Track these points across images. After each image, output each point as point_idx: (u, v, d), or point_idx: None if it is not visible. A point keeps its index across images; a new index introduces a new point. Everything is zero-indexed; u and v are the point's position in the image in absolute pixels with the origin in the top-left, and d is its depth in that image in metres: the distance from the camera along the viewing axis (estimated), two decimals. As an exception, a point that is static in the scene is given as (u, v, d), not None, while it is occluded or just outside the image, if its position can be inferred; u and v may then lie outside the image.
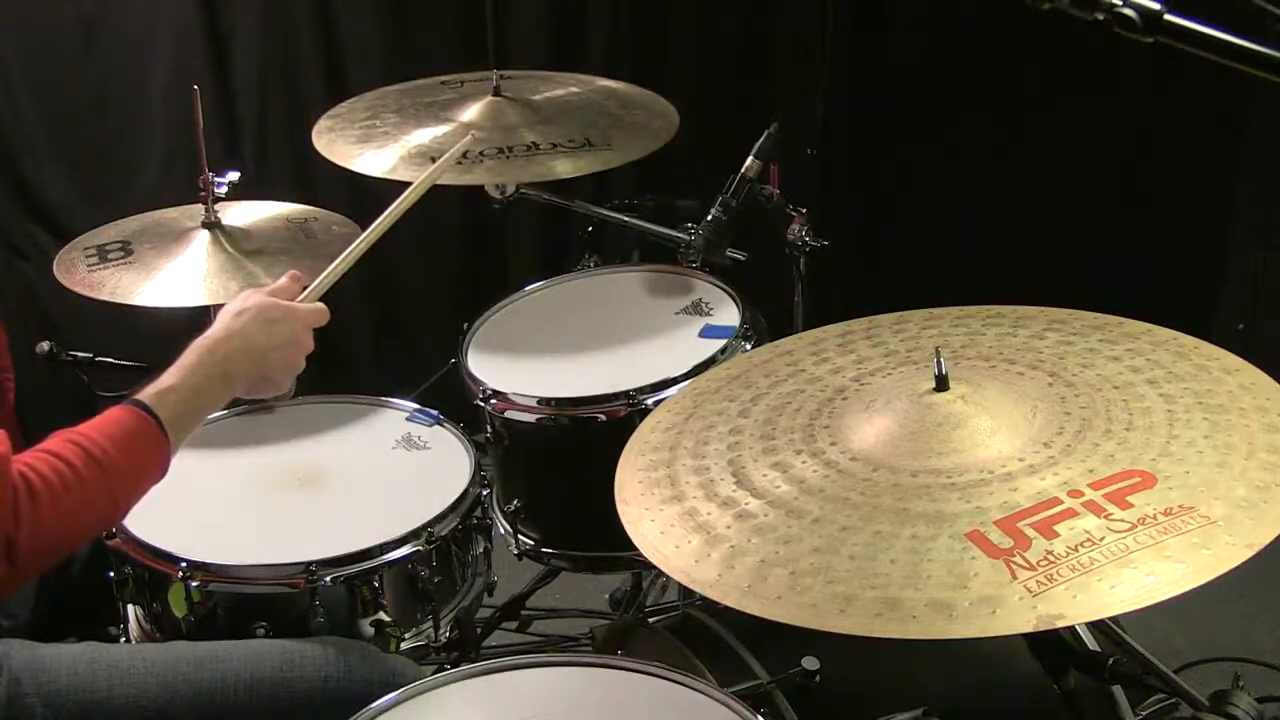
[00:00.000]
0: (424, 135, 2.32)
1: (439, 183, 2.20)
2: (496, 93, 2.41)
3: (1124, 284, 2.57)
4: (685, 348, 2.14)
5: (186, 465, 1.98)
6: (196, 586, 1.80)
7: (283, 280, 1.74)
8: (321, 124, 2.43)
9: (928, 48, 3.30)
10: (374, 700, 1.49)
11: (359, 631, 1.86)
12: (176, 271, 2.18)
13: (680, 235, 2.24)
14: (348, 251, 1.82)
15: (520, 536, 2.14)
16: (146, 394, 1.55)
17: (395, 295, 3.49)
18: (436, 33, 3.25)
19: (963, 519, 1.27)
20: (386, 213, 1.85)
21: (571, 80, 2.59)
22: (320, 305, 1.75)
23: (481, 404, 2.10)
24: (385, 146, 2.29)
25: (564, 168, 2.25)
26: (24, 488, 1.41)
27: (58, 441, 1.48)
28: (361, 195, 2.73)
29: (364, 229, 2.36)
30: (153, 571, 1.85)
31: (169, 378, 1.58)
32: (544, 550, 2.15)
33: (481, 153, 2.25)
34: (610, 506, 1.46)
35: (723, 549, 1.33)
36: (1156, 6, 1.11)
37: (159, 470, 1.56)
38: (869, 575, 1.24)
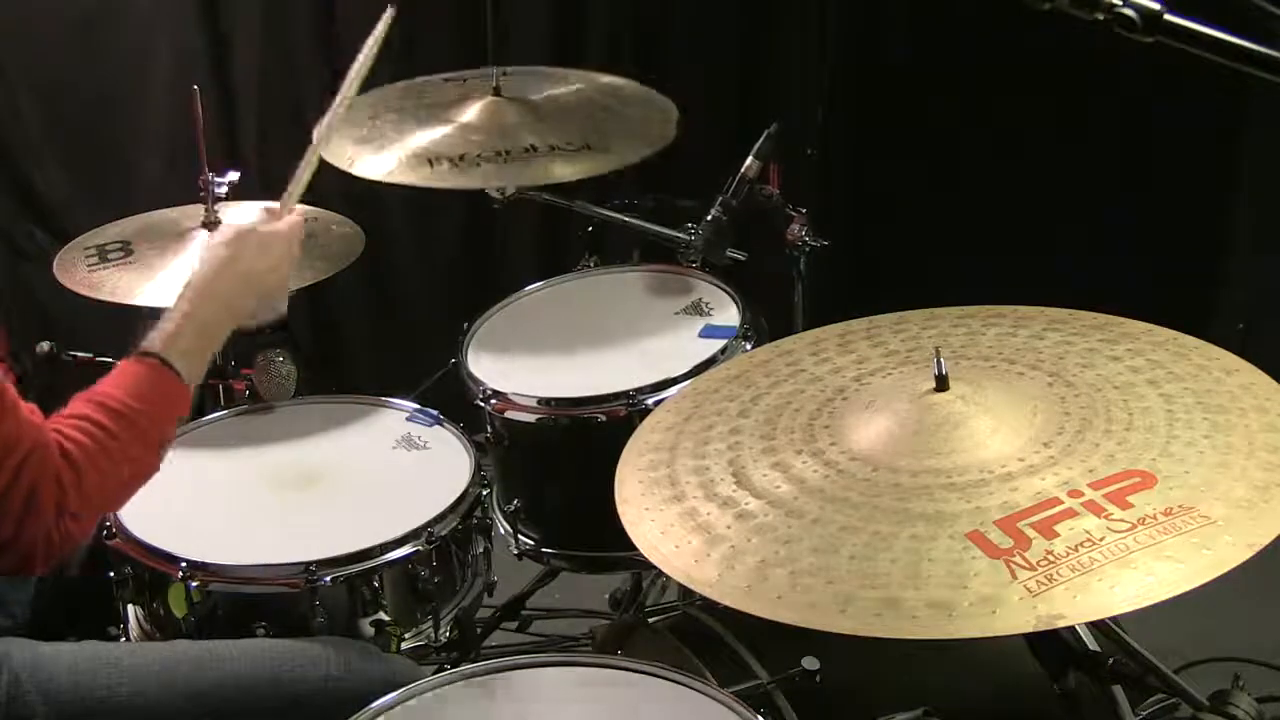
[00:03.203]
0: (424, 137, 2.31)
1: (440, 183, 2.21)
2: (497, 92, 2.40)
3: (1124, 284, 2.56)
4: (685, 348, 2.14)
5: (186, 465, 2.00)
6: (196, 586, 1.80)
7: (260, 214, 1.80)
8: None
9: (927, 48, 3.30)
10: (374, 700, 1.49)
11: (359, 631, 1.86)
12: (176, 271, 2.18)
13: (680, 235, 2.23)
14: (307, 156, 1.87)
15: (520, 536, 2.14)
16: (154, 342, 1.57)
17: (395, 295, 3.49)
18: (436, 32, 3.25)
19: (963, 519, 1.27)
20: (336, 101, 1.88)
21: (573, 76, 2.58)
22: (298, 216, 1.78)
23: (481, 404, 2.10)
24: (385, 150, 2.29)
25: (562, 171, 2.24)
26: (64, 462, 1.42)
27: (81, 404, 1.49)
28: (362, 195, 2.72)
29: (364, 229, 2.37)
30: (153, 571, 1.85)
31: (172, 322, 1.59)
32: (544, 550, 2.15)
33: (480, 155, 2.25)
34: (610, 506, 1.46)
35: (723, 549, 1.33)
36: (1156, 6, 1.11)
37: (183, 413, 1.58)
38: (869, 575, 1.24)
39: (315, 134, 1.86)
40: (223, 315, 1.64)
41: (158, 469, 1.54)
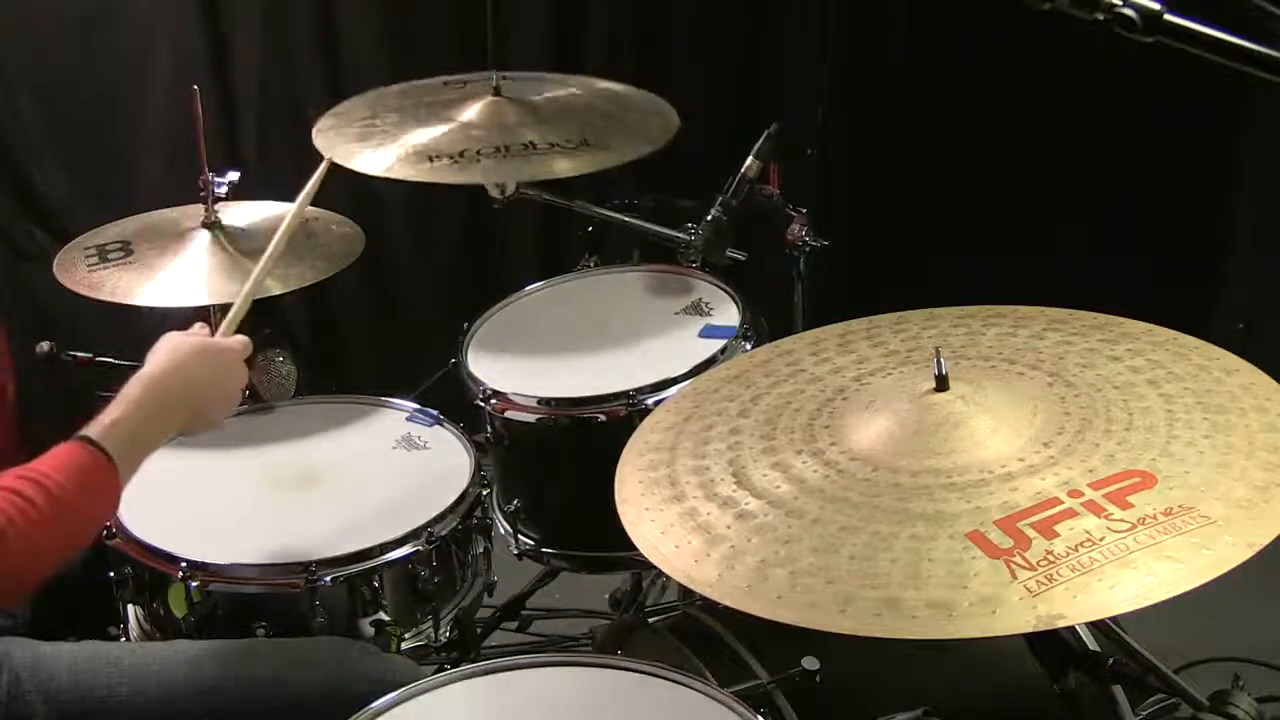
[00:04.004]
0: (423, 135, 2.31)
1: (438, 181, 2.21)
2: (496, 93, 2.40)
3: (1124, 284, 2.56)
4: (685, 348, 2.14)
5: (186, 465, 2.00)
6: (196, 586, 1.80)
7: (194, 328, 1.79)
8: (321, 124, 2.43)
9: (927, 48, 3.30)
10: (374, 700, 1.49)
11: (359, 631, 1.86)
12: (176, 271, 2.18)
13: (680, 235, 2.23)
14: (246, 287, 1.87)
15: (520, 536, 2.14)
16: (93, 430, 1.55)
17: (395, 295, 3.49)
18: (436, 33, 3.25)
19: (963, 519, 1.27)
20: (274, 239, 1.92)
21: (572, 81, 2.59)
22: (243, 337, 1.78)
23: (481, 404, 2.10)
24: (384, 146, 2.29)
25: (562, 166, 2.24)
26: None
27: (13, 479, 1.47)
28: (361, 195, 2.73)
29: (364, 229, 2.37)
30: (153, 571, 1.85)
31: (113, 412, 1.58)
32: (544, 550, 2.15)
33: (479, 151, 2.25)
34: (610, 506, 1.46)
35: (723, 549, 1.33)
36: (1156, 6, 1.11)
37: (111, 506, 1.58)
38: (869, 575, 1.24)
39: (252, 275, 1.89)
40: (162, 421, 1.62)
41: (78, 551, 1.53)
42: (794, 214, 2.30)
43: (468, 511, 1.96)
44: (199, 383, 1.67)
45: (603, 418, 2.04)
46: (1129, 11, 1.11)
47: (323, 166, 1.97)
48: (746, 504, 1.38)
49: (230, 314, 1.82)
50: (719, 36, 3.37)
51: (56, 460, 1.51)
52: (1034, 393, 1.45)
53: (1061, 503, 1.27)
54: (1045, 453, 1.35)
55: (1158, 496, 1.26)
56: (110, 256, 2.23)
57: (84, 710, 1.61)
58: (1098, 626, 1.56)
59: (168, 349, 1.69)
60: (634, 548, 1.39)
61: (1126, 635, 1.56)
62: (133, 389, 1.62)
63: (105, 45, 3.17)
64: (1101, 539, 1.21)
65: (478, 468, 2.02)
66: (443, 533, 1.90)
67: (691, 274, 2.32)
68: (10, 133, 3.20)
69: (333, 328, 3.48)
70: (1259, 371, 1.44)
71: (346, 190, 2.76)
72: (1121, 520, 1.23)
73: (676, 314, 2.25)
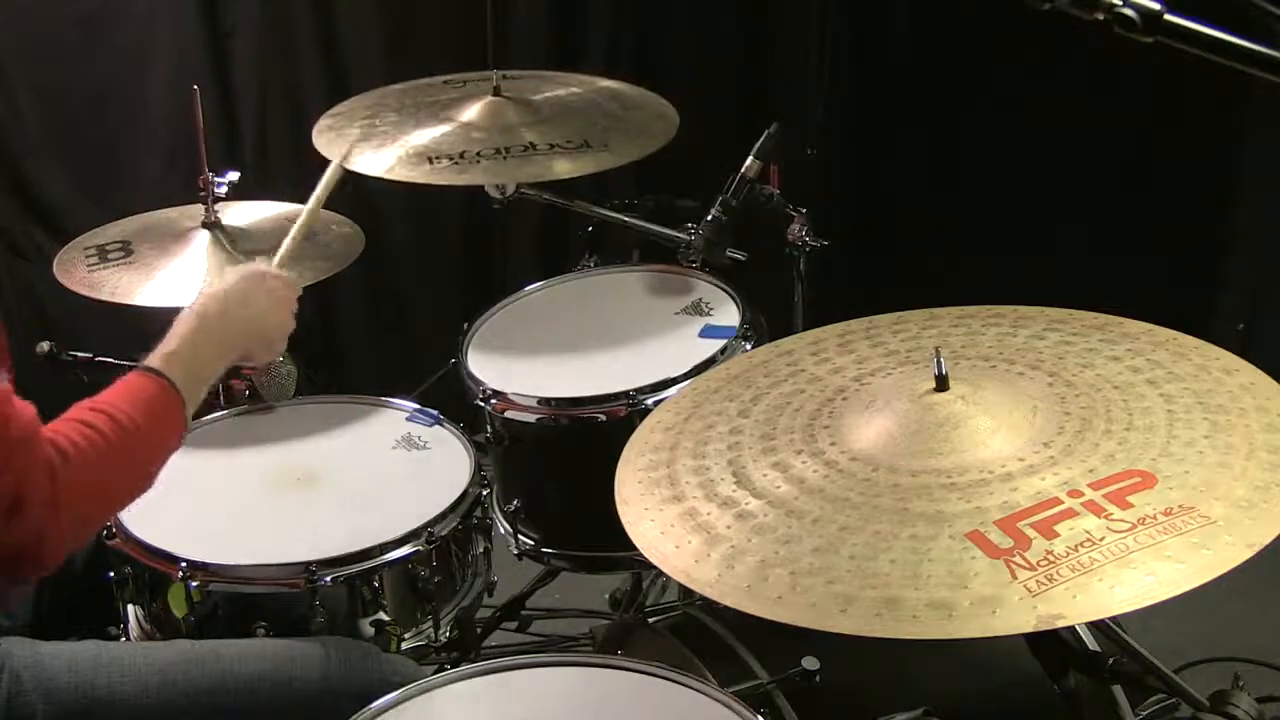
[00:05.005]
0: (424, 135, 2.31)
1: (438, 182, 2.21)
2: (496, 93, 2.40)
3: (1124, 284, 2.56)
4: (685, 348, 2.14)
5: (186, 465, 1.99)
6: (196, 586, 1.80)
7: (254, 261, 1.80)
8: (321, 124, 2.43)
9: (928, 48, 3.30)
10: (374, 700, 1.49)
11: (359, 631, 1.86)
12: (176, 271, 2.18)
13: (680, 235, 2.24)
14: (301, 219, 1.90)
15: (520, 536, 2.14)
16: (155, 360, 1.55)
17: (395, 295, 3.49)
18: (436, 33, 3.25)
19: (963, 519, 1.27)
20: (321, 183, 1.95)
21: (572, 80, 2.59)
22: (292, 275, 1.80)
23: (481, 404, 2.10)
24: (384, 146, 2.29)
25: (562, 167, 2.25)
26: (57, 457, 1.40)
27: (83, 410, 1.47)
28: (361, 195, 2.73)
29: (364, 229, 2.38)
30: (153, 571, 1.85)
31: (172, 343, 1.58)
32: (544, 550, 2.15)
33: (479, 153, 2.25)
34: (610, 506, 1.46)
35: (723, 549, 1.33)
36: (1156, 6, 1.11)
37: (178, 436, 1.55)
38: (869, 575, 1.24)
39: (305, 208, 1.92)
40: (221, 349, 1.63)
41: (145, 489, 1.52)
42: (794, 214, 2.31)
43: (468, 511, 1.96)
44: (252, 311, 1.67)
45: (603, 418, 2.04)
46: (1129, 11, 1.11)
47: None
48: (746, 504, 1.38)
49: (283, 247, 1.84)
50: (719, 36, 3.37)
51: (123, 391, 1.51)
52: (1034, 393, 1.45)
53: (1061, 503, 1.27)
54: (1045, 453, 1.35)
55: (1158, 496, 1.26)
56: (110, 256, 2.23)
57: (84, 710, 1.61)
58: (1098, 626, 1.56)
59: (227, 278, 1.70)
60: (634, 548, 1.39)
61: (1126, 635, 1.55)
62: (188, 319, 1.62)
63: (105, 45, 3.17)
64: (1101, 539, 1.21)
65: (478, 468, 2.02)
66: (443, 533, 1.90)
67: (691, 274, 2.32)
68: (10, 133, 3.20)
69: (333, 328, 3.48)
70: (1259, 371, 1.44)
71: (347, 190, 2.77)
72: (1121, 520, 1.23)
73: (676, 314, 2.25)
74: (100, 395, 1.50)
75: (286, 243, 1.85)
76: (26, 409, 1.40)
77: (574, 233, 2.96)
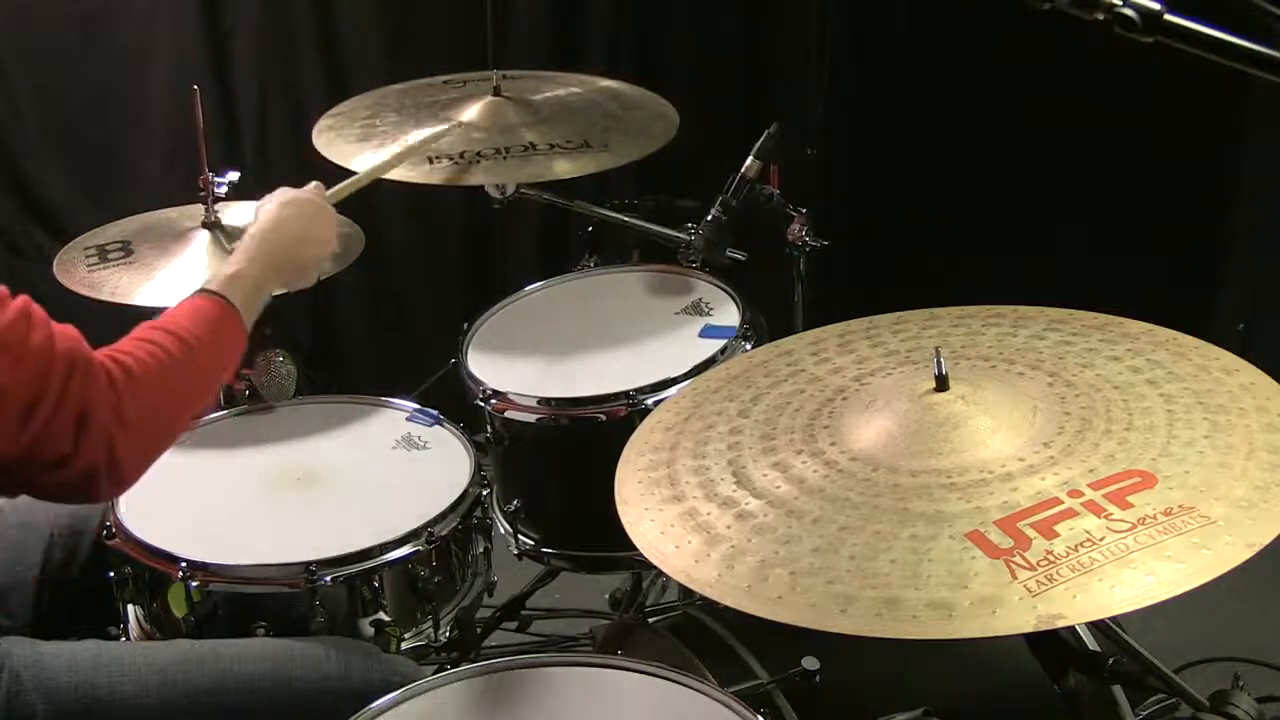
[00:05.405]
0: (424, 135, 2.31)
1: (437, 182, 2.21)
2: (496, 93, 2.40)
3: (1124, 284, 2.56)
4: (685, 348, 2.14)
5: (186, 465, 2.00)
6: (196, 586, 1.80)
7: (310, 186, 1.86)
8: (321, 124, 2.43)
9: (928, 48, 3.30)
10: (374, 700, 1.49)
11: (359, 631, 1.86)
12: (176, 271, 2.18)
13: (680, 235, 2.24)
14: (371, 166, 2.02)
15: (520, 536, 2.14)
16: (214, 284, 1.61)
17: (395, 295, 3.49)
18: (436, 33, 3.25)
19: (963, 519, 1.27)
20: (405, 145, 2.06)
21: (572, 80, 2.59)
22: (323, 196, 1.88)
23: (481, 404, 2.10)
24: (385, 145, 2.29)
25: (562, 167, 2.25)
26: (123, 374, 1.43)
27: (147, 329, 1.51)
28: (362, 195, 2.72)
29: (364, 229, 2.37)
30: (153, 571, 1.85)
31: (234, 265, 1.66)
32: (544, 550, 2.15)
33: (479, 153, 2.25)
34: (610, 506, 1.46)
35: (723, 549, 1.33)
36: (1156, 6, 1.11)
37: (237, 355, 1.61)
38: (869, 575, 1.24)
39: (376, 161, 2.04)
40: (272, 272, 1.69)
41: (209, 406, 1.56)
42: (794, 214, 2.31)
43: (468, 511, 1.96)
44: (298, 233, 1.75)
45: (603, 418, 2.04)
46: (1129, 11, 1.11)
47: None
48: (746, 504, 1.38)
49: (340, 185, 1.93)
50: (719, 36, 3.37)
51: (186, 311, 1.56)
52: (1034, 393, 1.45)
53: (1061, 503, 1.27)
54: (1045, 453, 1.35)
55: (1158, 496, 1.26)
56: (110, 256, 2.23)
57: (84, 710, 1.61)
58: (1098, 626, 1.56)
59: (280, 202, 1.77)
60: (634, 548, 1.39)
61: (1126, 635, 1.55)
62: (249, 243, 1.69)
63: (105, 45, 3.17)
64: (1101, 539, 1.21)
65: (478, 468, 2.02)
66: (443, 533, 1.90)
67: (691, 274, 2.32)
68: (10, 133, 3.20)
69: (333, 328, 3.48)
70: (1259, 371, 1.44)
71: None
72: (1121, 520, 1.23)
73: (676, 314, 2.25)
74: (163, 316, 1.55)
75: (345, 184, 1.94)
76: (71, 331, 1.44)
77: (574, 233, 2.95)
